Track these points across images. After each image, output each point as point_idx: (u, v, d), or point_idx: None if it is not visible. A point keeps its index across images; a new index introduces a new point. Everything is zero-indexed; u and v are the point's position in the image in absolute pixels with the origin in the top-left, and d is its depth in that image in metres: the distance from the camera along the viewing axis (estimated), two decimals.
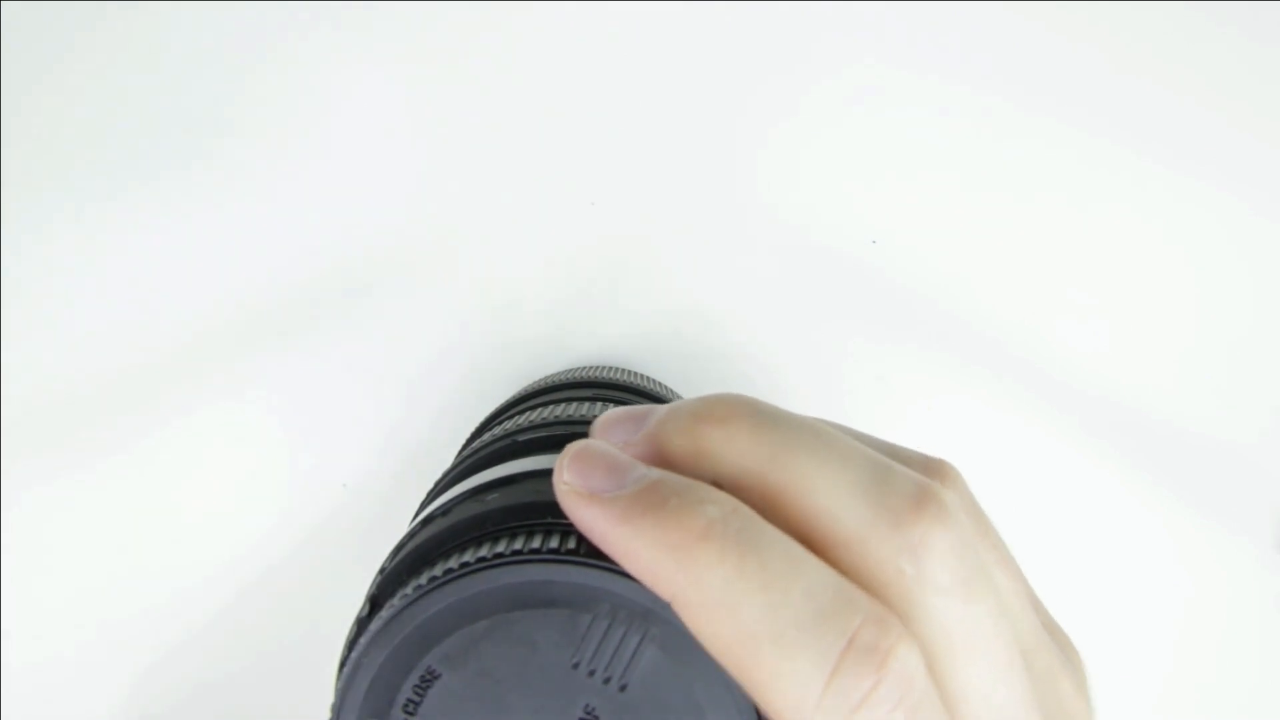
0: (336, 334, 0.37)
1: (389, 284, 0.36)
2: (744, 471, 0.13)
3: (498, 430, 0.24)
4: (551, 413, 0.24)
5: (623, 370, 0.34)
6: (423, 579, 0.14)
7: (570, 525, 0.15)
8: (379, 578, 0.17)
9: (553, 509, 0.16)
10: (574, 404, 0.26)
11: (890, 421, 0.37)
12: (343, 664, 0.15)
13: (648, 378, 0.34)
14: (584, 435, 0.22)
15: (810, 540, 0.13)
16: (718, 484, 0.14)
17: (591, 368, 0.35)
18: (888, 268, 0.36)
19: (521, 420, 0.24)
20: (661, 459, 0.14)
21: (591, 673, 0.14)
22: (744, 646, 0.12)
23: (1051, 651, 0.14)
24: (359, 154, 0.35)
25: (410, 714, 0.14)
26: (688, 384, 0.37)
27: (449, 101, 0.35)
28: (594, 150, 0.35)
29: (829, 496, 0.13)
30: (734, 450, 0.14)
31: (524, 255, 0.36)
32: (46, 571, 0.38)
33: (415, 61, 0.35)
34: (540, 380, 0.33)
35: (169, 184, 0.35)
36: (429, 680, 0.14)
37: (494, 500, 0.17)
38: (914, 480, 0.13)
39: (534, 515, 0.16)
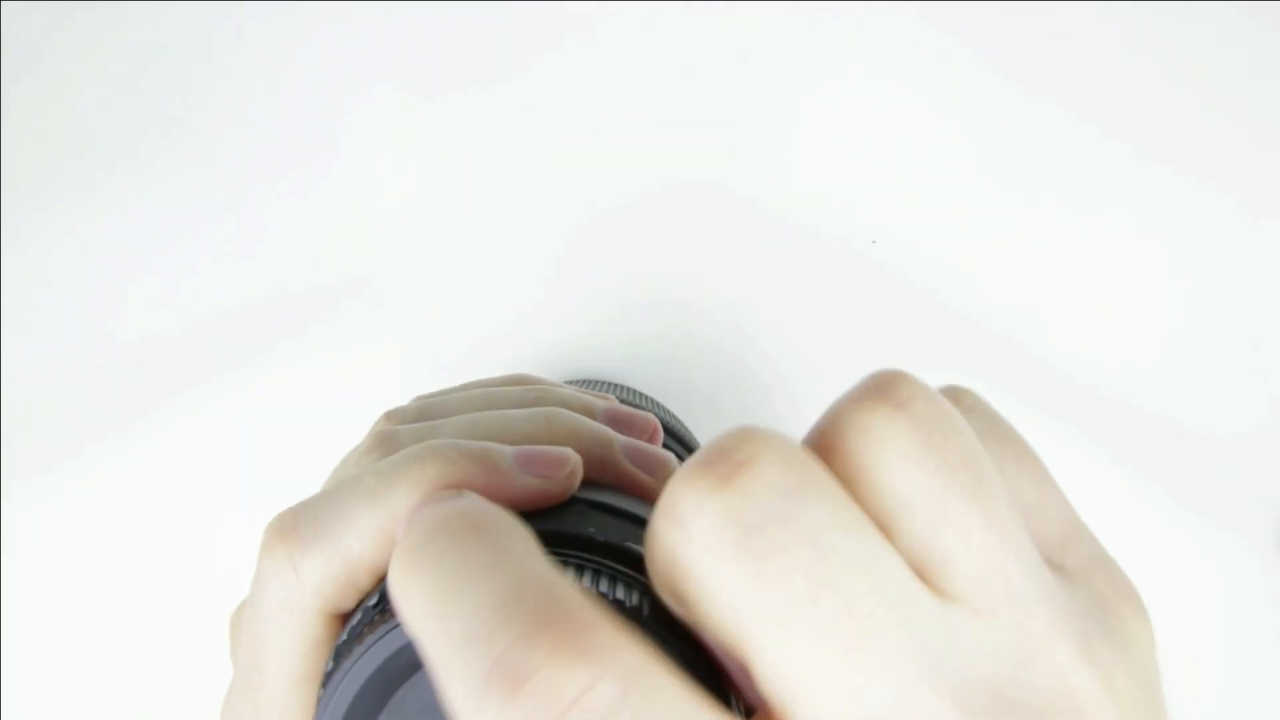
0: (338, 338, 0.37)
1: (389, 290, 0.36)
2: None
3: None
4: None
5: (619, 386, 0.34)
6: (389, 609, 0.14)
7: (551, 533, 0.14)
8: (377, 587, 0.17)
9: (533, 517, 0.15)
10: None
11: None
12: (325, 681, 0.15)
13: (642, 394, 0.33)
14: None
15: None
16: None
17: (590, 379, 0.35)
18: (888, 267, 0.36)
19: None
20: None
21: None
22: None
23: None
24: (361, 157, 0.35)
25: None
26: (688, 384, 0.37)
27: (450, 104, 0.35)
28: (593, 152, 0.35)
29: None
30: None
31: (522, 261, 0.36)
32: (44, 572, 0.38)
33: (417, 63, 0.34)
34: None
35: (172, 185, 0.35)
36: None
37: None
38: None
39: None
